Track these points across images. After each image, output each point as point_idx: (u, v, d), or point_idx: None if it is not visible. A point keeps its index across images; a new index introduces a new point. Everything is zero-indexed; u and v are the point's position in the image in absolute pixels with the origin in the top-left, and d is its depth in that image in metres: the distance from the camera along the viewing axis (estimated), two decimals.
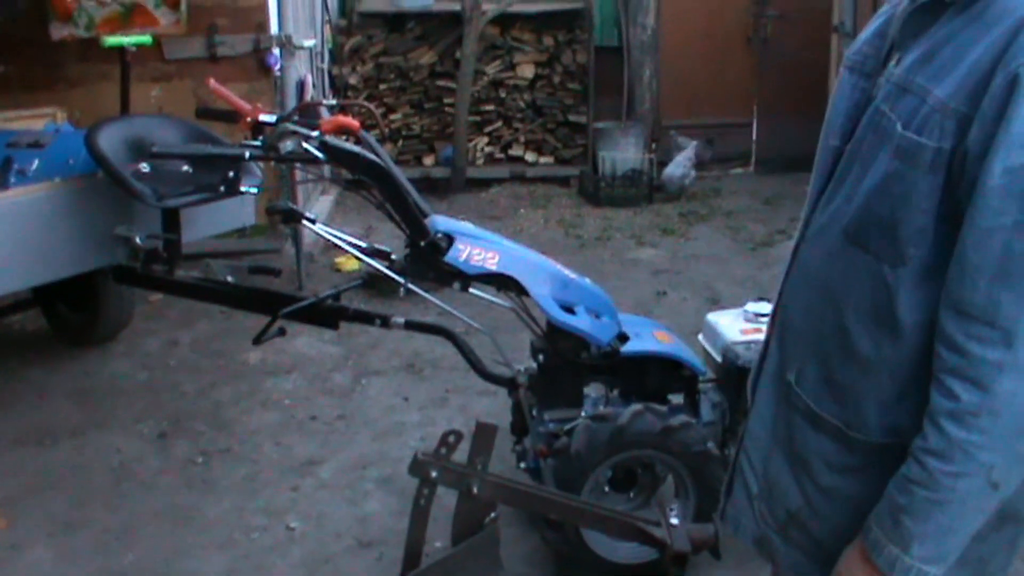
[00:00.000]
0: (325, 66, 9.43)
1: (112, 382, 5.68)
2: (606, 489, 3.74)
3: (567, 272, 3.73)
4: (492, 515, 3.28)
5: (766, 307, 3.96)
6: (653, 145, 10.61)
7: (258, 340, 4.19)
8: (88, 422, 5.16)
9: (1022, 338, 1.54)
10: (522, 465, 3.91)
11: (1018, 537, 1.83)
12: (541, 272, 3.65)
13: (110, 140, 4.82)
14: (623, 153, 10.14)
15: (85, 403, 5.39)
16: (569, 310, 3.64)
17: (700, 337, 4.13)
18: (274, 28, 7.30)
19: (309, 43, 7.99)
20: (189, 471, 4.67)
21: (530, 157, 10.80)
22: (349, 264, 7.36)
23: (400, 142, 10.69)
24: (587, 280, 3.81)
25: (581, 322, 3.63)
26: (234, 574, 3.87)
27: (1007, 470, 1.62)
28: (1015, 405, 1.56)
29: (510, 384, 3.93)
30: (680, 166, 10.13)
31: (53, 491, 4.49)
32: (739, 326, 3.92)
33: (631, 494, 3.79)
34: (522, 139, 10.78)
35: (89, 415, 5.24)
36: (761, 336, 3.79)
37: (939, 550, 1.67)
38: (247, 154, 3.98)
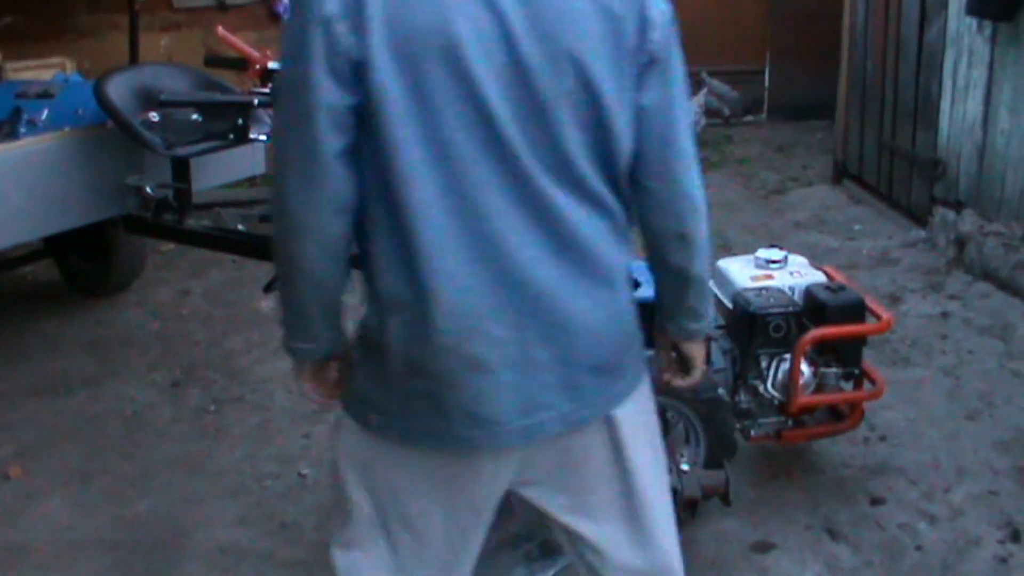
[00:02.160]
0: None
1: (125, 332, 5.71)
2: None
3: None
4: None
5: (778, 254, 3.95)
6: None
7: (269, 288, 4.20)
8: (101, 372, 5.19)
9: None
10: None
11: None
12: None
13: (119, 90, 4.81)
14: None
15: (98, 353, 5.42)
16: None
17: (710, 283, 4.11)
18: None
19: None
20: (202, 419, 4.70)
21: None
22: None
23: None
24: None
25: None
26: (246, 521, 3.89)
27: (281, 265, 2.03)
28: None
29: None
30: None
31: (67, 441, 4.52)
32: (749, 272, 3.90)
33: None
34: None
35: (102, 365, 5.27)
36: (772, 282, 3.80)
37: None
38: (256, 101, 3.97)
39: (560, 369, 1.99)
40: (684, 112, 2.02)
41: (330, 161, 1.85)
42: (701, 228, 2.11)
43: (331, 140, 1.84)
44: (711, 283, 2.52)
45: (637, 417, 2.18)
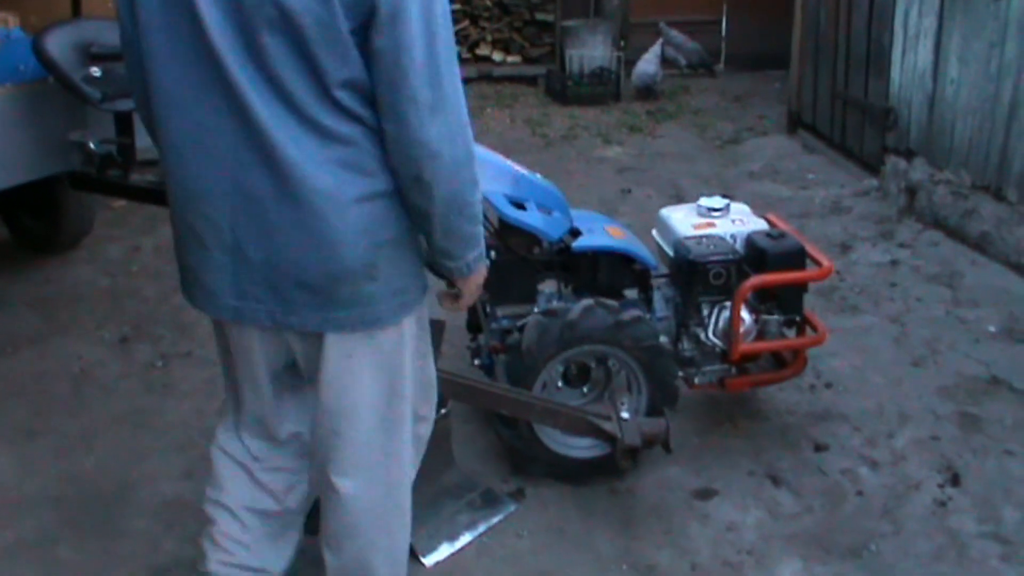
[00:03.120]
0: None
1: (74, 289, 5.66)
2: (559, 385, 3.75)
3: (517, 168, 3.70)
4: (443, 411, 3.30)
5: (720, 202, 3.95)
6: (621, 43, 10.54)
7: None
8: (49, 329, 5.15)
9: None
10: (476, 362, 3.92)
11: None
12: (491, 168, 3.61)
13: (59, 44, 4.73)
14: (591, 51, 10.07)
15: (47, 310, 5.37)
16: (520, 206, 3.62)
17: (653, 232, 4.12)
18: None
19: None
20: (149, 375, 4.67)
21: (497, 56, 10.74)
22: None
23: None
24: (538, 176, 3.79)
25: (532, 218, 3.61)
26: (193, 475, 3.87)
27: None
28: None
29: None
30: (651, 63, 10.06)
31: (14, 399, 4.48)
32: (692, 221, 3.91)
33: (584, 389, 3.81)
34: (489, 38, 10.70)
35: (50, 322, 5.23)
36: (713, 230, 3.81)
37: None
38: None
39: (268, 272, 2.30)
40: (422, 60, 2.10)
41: (135, 68, 2.33)
42: (442, 176, 2.21)
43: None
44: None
45: (358, 357, 2.44)
